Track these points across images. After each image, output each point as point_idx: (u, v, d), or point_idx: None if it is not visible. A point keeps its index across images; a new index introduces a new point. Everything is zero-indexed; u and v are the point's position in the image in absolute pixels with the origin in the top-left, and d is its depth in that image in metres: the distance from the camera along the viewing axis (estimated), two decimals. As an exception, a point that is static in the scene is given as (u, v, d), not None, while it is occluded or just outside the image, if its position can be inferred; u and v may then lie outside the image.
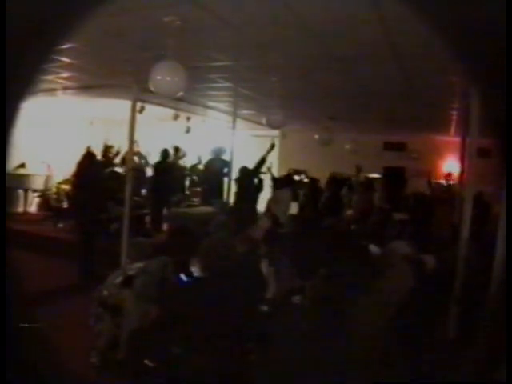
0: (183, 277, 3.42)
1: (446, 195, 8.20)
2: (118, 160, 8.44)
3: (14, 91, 0.63)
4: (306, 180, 10.90)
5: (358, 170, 9.87)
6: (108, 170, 7.83)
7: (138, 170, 8.64)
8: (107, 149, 8.09)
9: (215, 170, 8.37)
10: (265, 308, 3.23)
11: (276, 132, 11.52)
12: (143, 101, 7.06)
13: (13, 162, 9.82)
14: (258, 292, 3.27)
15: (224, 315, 2.63)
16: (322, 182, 9.53)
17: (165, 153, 8.93)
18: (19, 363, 0.68)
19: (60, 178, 10.65)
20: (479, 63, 0.65)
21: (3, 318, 0.64)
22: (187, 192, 10.99)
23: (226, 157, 8.37)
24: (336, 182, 9.40)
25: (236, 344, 2.74)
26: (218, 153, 8.48)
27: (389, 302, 2.61)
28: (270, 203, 7.59)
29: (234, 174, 8.07)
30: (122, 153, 8.07)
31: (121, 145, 7.75)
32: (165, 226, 8.74)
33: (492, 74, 0.64)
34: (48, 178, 10.90)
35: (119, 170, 8.50)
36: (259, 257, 3.77)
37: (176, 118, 10.06)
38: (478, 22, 0.62)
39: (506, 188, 0.68)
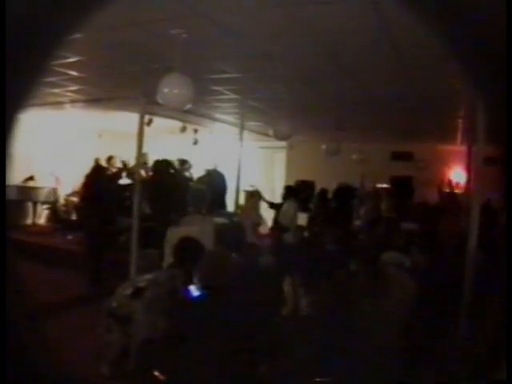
0: (193, 289, 3.42)
1: (454, 204, 8.17)
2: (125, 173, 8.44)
3: (11, 100, 0.62)
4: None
5: (374, 181, 9.96)
6: (115, 183, 7.84)
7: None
8: (110, 160, 8.11)
9: (220, 182, 8.48)
10: (276, 320, 3.22)
11: (283, 143, 11.56)
12: (151, 113, 7.10)
13: (22, 174, 9.91)
14: (272, 304, 3.26)
15: (235, 327, 2.63)
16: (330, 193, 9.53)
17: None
18: (20, 365, 0.68)
19: (69, 191, 10.72)
20: (482, 71, 0.66)
21: (4, 319, 0.65)
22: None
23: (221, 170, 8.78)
24: (343, 192, 9.39)
25: (246, 355, 2.74)
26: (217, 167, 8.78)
27: (393, 311, 2.60)
28: (277, 217, 7.62)
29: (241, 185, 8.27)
30: (130, 165, 8.08)
31: (129, 157, 7.79)
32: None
33: (494, 81, 0.65)
34: (56, 191, 10.94)
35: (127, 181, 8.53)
36: (276, 270, 3.77)
37: (183, 130, 10.08)
38: (481, 30, 0.64)
39: (506, 195, 0.69)
